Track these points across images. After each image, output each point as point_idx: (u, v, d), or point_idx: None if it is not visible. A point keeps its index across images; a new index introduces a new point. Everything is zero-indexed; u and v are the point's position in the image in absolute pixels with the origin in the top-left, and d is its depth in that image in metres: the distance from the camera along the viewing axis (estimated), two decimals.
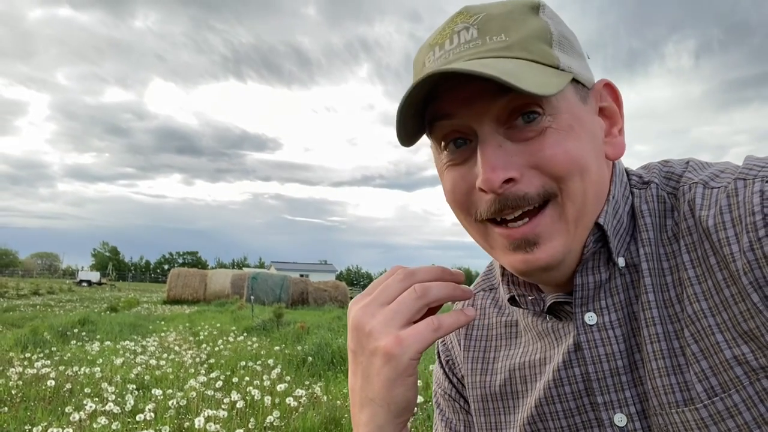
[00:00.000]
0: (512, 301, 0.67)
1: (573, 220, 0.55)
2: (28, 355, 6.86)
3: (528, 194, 0.54)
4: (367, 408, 0.56)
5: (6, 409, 4.43)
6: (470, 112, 0.54)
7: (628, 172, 0.64)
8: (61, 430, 3.42)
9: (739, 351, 0.50)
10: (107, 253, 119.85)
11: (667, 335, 0.54)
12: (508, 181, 0.53)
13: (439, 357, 0.80)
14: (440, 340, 0.80)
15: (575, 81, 0.56)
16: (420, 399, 4.61)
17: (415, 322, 0.54)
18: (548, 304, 0.63)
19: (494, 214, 0.56)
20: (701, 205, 0.54)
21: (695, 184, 0.57)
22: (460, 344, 0.75)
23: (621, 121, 0.61)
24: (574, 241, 0.56)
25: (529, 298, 0.65)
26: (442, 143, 0.59)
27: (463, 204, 0.59)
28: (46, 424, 3.89)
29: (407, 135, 0.58)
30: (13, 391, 4.92)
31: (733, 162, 0.59)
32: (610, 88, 0.61)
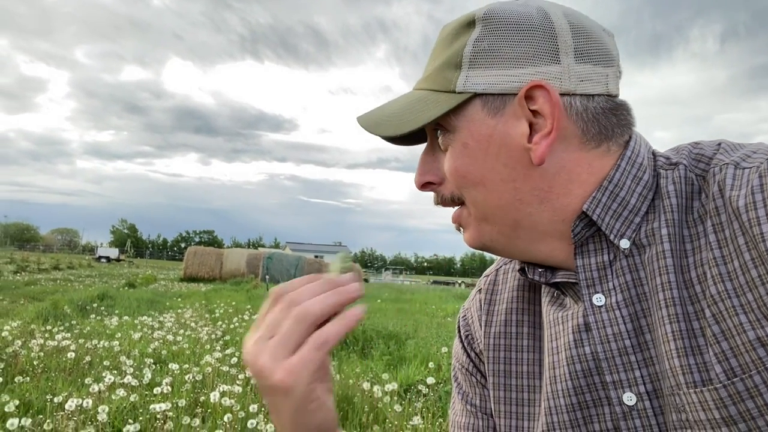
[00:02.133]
0: (522, 272, 0.69)
1: (480, 219, 0.64)
2: (49, 327, 7.02)
3: (444, 196, 0.66)
4: None
5: (28, 379, 4.55)
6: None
7: (655, 154, 0.63)
8: (81, 400, 3.50)
9: (762, 332, 0.49)
10: (125, 230, 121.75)
11: (687, 316, 0.54)
12: (431, 183, 0.66)
13: (459, 331, 0.81)
14: (461, 315, 0.82)
15: (487, 94, 0.59)
16: (432, 380, 4.65)
17: None
18: (556, 280, 0.64)
19: (436, 204, 0.68)
20: (732, 185, 0.54)
21: (726, 165, 0.56)
22: (480, 320, 0.76)
23: (550, 124, 0.58)
24: (491, 234, 0.64)
25: (539, 270, 0.67)
26: None
27: None
28: (66, 394, 3.98)
29: (396, 140, 0.68)
30: (35, 362, 5.05)
31: (766, 143, 0.58)
32: (541, 89, 0.57)
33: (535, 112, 0.58)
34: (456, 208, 0.67)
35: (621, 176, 0.60)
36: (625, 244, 0.59)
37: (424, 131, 0.66)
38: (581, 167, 0.60)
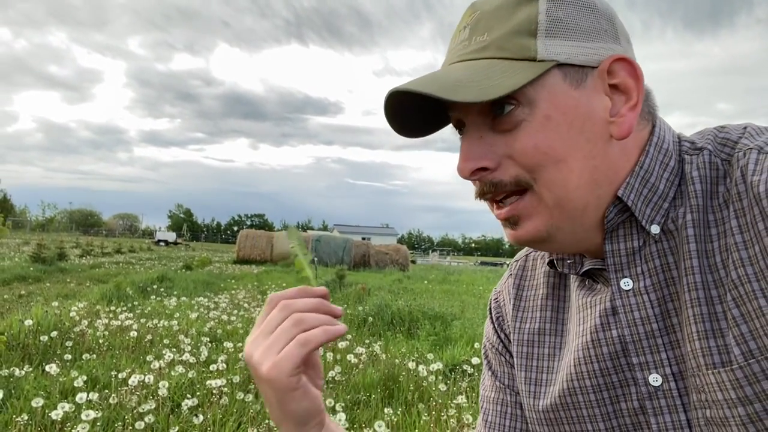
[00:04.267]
0: (551, 264, 0.71)
1: (553, 205, 0.59)
2: (112, 308, 7.34)
3: (502, 181, 0.60)
4: (281, 428, 0.64)
5: (95, 356, 4.81)
6: (458, 107, 0.61)
7: (681, 138, 0.63)
8: (143, 376, 3.68)
9: None
10: (182, 215, 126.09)
11: (709, 300, 0.55)
12: (484, 169, 0.60)
13: (490, 313, 0.84)
14: (493, 297, 0.84)
15: (566, 65, 0.57)
16: (477, 361, 4.67)
17: None
18: (585, 269, 0.65)
19: (478, 196, 0.63)
20: (754, 170, 0.54)
21: (750, 149, 0.56)
22: (511, 303, 0.79)
23: (636, 97, 0.58)
24: (559, 221, 0.60)
25: (568, 261, 0.68)
26: (456, 129, 0.66)
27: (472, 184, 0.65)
28: (129, 370, 4.19)
29: (406, 131, 0.66)
30: (100, 341, 5.31)
31: None
32: (625, 63, 0.58)
33: (612, 87, 0.59)
34: (508, 199, 0.61)
35: (651, 162, 0.60)
36: (655, 229, 0.60)
37: (447, 116, 0.65)
38: (624, 154, 0.61)
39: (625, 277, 0.61)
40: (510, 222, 0.62)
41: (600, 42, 0.58)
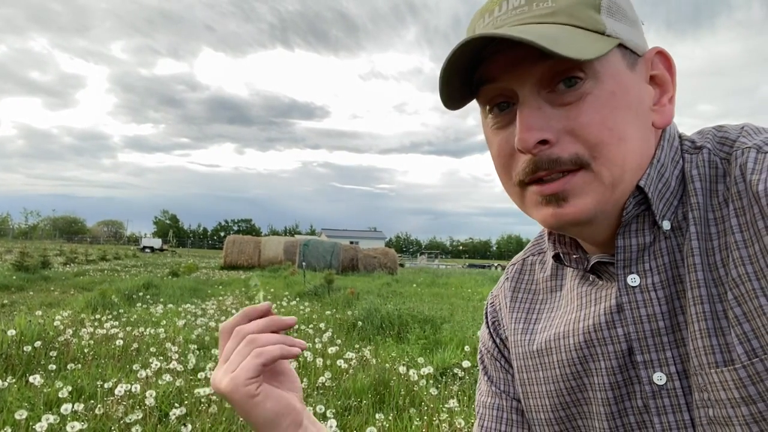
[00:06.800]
0: (557, 258, 0.70)
1: (608, 184, 0.56)
2: (98, 316, 7.27)
3: (561, 158, 0.55)
4: None
5: (80, 366, 4.74)
6: (513, 75, 0.56)
7: (681, 137, 0.64)
8: (129, 386, 3.64)
9: None
10: (167, 221, 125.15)
11: (711, 298, 0.55)
12: (544, 143, 0.55)
13: (486, 318, 0.83)
14: (489, 301, 0.84)
15: (623, 47, 0.57)
16: (467, 364, 4.67)
17: None
18: (592, 263, 0.64)
19: (528, 175, 0.57)
20: (753, 169, 0.54)
21: (748, 148, 0.56)
22: (507, 307, 0.78)
23: (672, 90, 0.61)
24: (608, 203, 0.57)
25: (574, 256, 0.67)
26: (488, 107, 0.61)
27: (505, 166, 0.61)
28: (115, 380, 4.14)
29: (452, 99, 0.59)
30: (85, 350, 5.24)
31: None
32: (663, 56, 0.61)
33: (651, 78, 0.60)
34: (558, 175, 0.56)
35: (665, 157, 0.61)
36: (666, 225, 0.60)
37: (470, 90, 0.60)
38: (654, 143, 0.61)
39: (632, 273, 0.60)
40: (557, 198, 0.56)
41: (640, 32, 0.60)
